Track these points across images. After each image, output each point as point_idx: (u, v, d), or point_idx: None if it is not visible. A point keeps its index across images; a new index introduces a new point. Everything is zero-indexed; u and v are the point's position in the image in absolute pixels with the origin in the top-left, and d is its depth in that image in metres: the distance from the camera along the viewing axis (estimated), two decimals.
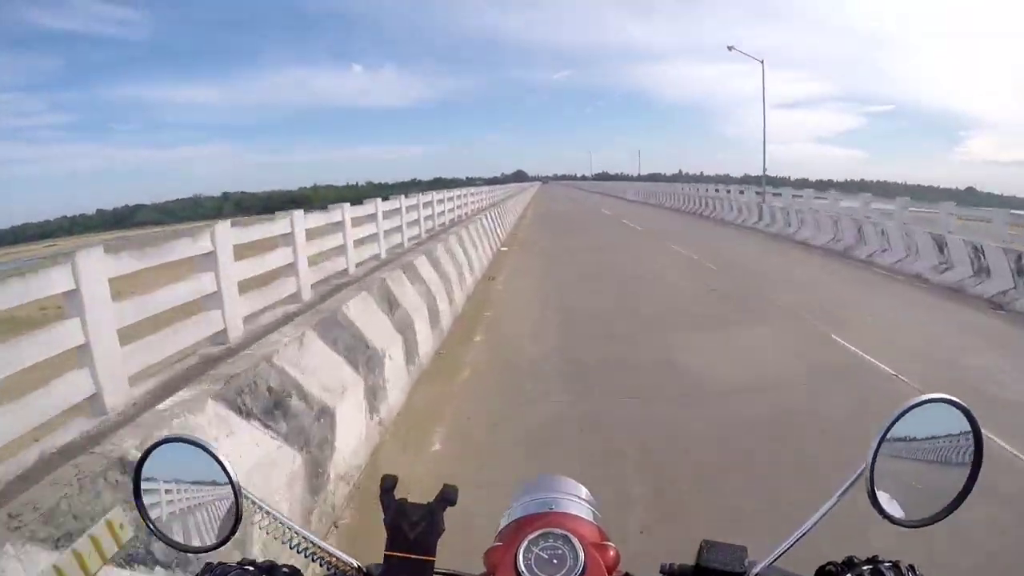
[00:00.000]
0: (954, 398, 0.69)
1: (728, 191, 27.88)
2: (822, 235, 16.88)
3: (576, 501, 0.81)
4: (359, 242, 6.98)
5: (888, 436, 0.69)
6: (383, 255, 7.70)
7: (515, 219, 24.64)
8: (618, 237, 17.10)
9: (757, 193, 25.14)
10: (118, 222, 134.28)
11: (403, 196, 8.97)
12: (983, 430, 0.68)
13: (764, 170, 26.00)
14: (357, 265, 6.74)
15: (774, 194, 25.89)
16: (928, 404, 0.69)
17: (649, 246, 14.72)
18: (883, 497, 0.69)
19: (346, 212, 6.45)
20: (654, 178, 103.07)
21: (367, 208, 7.44)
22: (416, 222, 9.82)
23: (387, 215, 8.11)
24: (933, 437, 0.71)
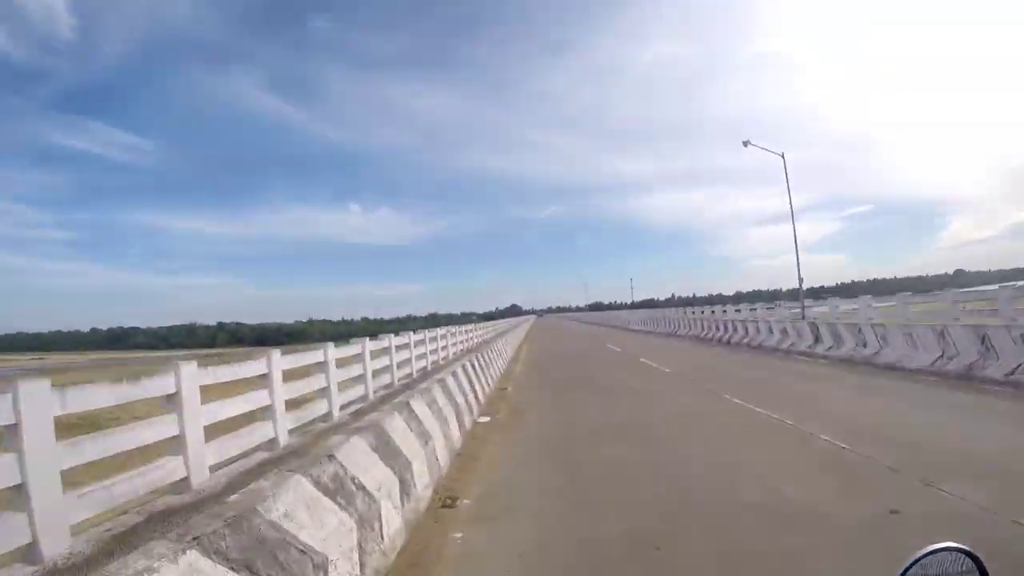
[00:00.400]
0: (965, 546, 0.77)
1: (753, 309, 23.96)
2: (921, 354, 12.34)
3: None
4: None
5: None
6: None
7: (505, 363, 20.25)
8: (646, 389, 12.27)
9: (793, 310, 21.13)
10: (111, 343, 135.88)
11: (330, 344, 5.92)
12: None
13: (800, 280, 22.13)
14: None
15: (808, 306, 21.93)
16: (941, 552, 0.77)
17: (701, 406, 9.78)
18: None
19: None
20: (648, 304, 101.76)
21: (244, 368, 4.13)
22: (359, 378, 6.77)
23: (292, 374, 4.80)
24: None
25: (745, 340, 20.59)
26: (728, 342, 21.95)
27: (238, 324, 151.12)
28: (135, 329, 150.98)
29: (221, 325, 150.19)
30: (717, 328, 24.30)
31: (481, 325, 23.69)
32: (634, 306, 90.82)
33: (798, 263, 22.28)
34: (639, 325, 40.91)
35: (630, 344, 25.08)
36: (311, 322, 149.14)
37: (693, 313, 31.07)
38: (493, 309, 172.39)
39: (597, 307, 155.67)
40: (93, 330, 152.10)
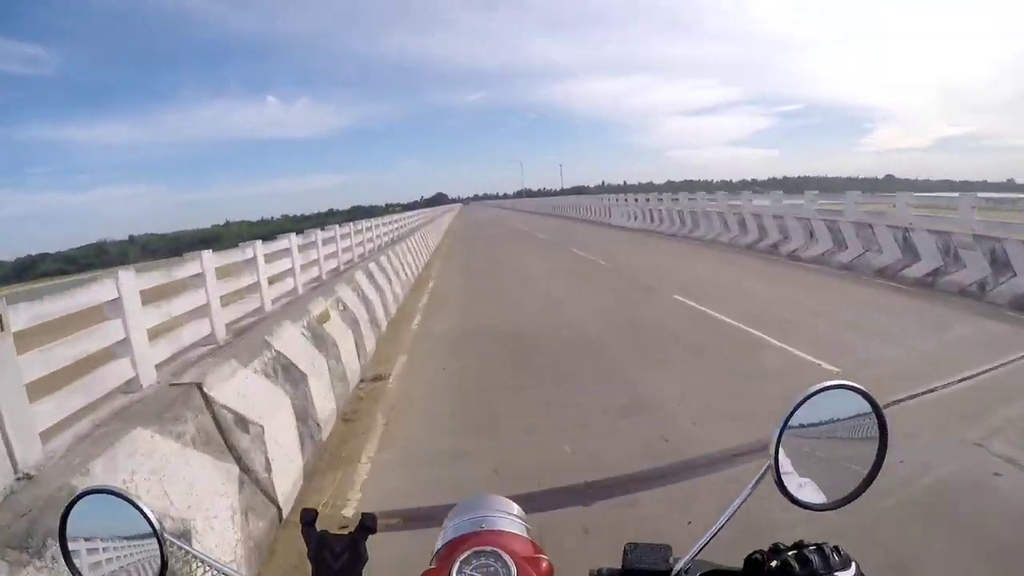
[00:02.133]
0: (851, 383, 0.71)
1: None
2: None
3: (507, 518, 0.83)
4: None
5: (791, 425, 0.71)
6: None
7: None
8: None
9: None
10: (19, 274, 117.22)
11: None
12: None
13: None
14: None
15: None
16: (828, 391, 0.71)
17: None
18: (792, 484, 0.71)
19: None
20: (579, 191, 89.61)
21: None
22: None
23: None
24: (836, 422, 0.72)
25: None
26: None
27: (150, 235, 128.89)
28: (43, 255, 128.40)
29: (132, 239, 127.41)
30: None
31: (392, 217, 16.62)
32: (564, 192, 77.97)
33: None
34: (628, 220, 24.78)
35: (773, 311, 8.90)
36: (228, 225, 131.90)
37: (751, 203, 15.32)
38: (418, 198, 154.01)
39: (526, 194, 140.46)
40: None
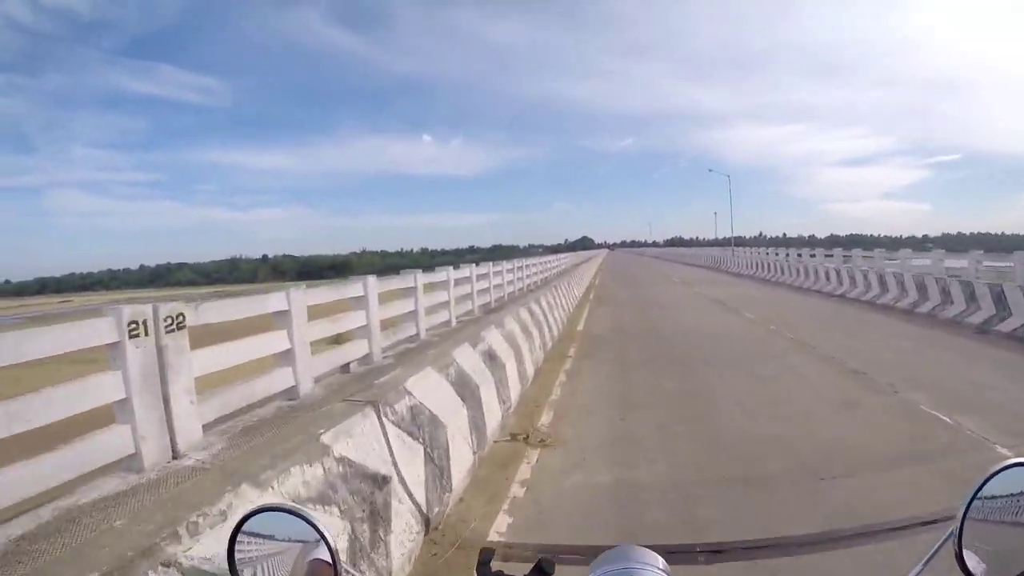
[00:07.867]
0: None
1: None
2: None
3: (654, 571, 0.80)
4: None
5: (976, 499, 0.70)
6: None
7: None
8: None
9: None
10: (153, 280, 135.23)
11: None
12: None
13: None
14: None
15: None
16: (1015, 468, 0.70)
17: None
18: (970, 559, 0.69)
19: None
20: (736, 242, 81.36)
21: None
22: None
23: None
24: (1020, 499, 0.69)
25: None
26: None
27: (284, 256, 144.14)
28: (181, 265, 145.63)
29: (265, 258, 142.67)
30: None
31: (523, 262, 14.40)
32: (719, 243, 71.10)
33: None
34: (836, 286, 19.15)
35: None
36: (363, 253, 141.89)
37: None
38: (562, 241, 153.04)
39: (676, 242, 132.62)
40: (141, 267, 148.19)
